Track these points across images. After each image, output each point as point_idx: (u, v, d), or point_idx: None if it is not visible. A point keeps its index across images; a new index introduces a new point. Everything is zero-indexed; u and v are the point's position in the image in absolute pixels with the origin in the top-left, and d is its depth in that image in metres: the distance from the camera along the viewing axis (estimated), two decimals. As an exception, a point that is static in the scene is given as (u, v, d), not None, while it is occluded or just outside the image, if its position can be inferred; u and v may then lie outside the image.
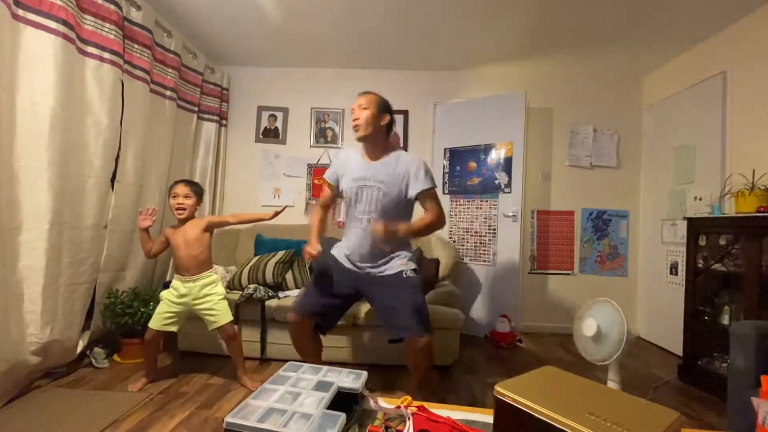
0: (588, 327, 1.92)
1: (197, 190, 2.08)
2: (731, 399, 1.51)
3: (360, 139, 1.76)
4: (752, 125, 2.37)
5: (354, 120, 1.73)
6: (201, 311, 1.98)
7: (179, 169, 2.99)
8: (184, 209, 2.00)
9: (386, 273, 1.74)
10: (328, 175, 1.89)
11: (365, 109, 1.71)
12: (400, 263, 1.75)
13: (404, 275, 1.72)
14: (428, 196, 1.75)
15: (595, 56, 3.12)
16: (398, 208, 1.76)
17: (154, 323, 1.96)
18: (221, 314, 1.98)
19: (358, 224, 1.76)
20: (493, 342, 2.91)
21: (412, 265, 1.77)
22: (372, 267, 1.76)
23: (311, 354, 1.86)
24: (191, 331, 2.34)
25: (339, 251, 1.82)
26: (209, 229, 2.07)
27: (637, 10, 2.44)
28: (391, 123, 1.78)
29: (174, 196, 2.01)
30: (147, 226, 1.99)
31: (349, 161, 1.84)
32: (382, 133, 1.76)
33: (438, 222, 1.76)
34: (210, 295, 1.99)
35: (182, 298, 1.96)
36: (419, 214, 1.77)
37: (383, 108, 1.74)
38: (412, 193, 1.74)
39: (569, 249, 3.39)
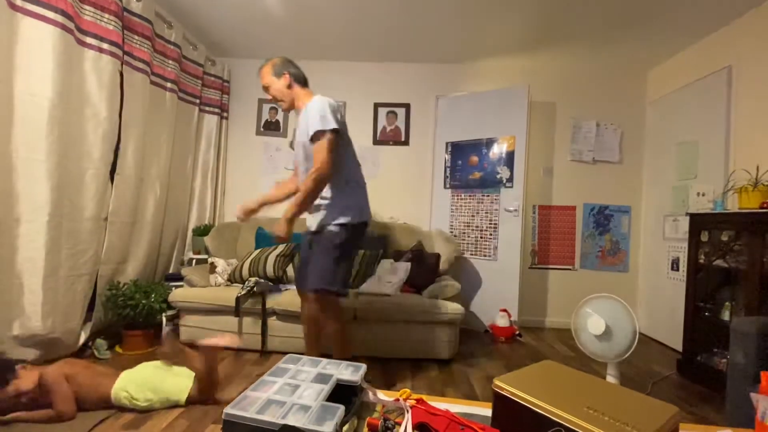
0: (595, 325, 1.89)
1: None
2: (730, 394, 1.51)
3: (288, 110, 1.85)
4: (757, 120, 2.35)
5: (277, 102, 1.81)
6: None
7: (181, 162, 2.98)
8: None
9: (315, 227, 1.76)
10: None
11: (269, 86, 1.77)
12: (325, 216, 1.73)
13: (324, 229, 1.72)
14: (315, 139, 1.60)
15: (599, 50, 3.08)
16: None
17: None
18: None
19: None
20: (493, 336, 2.91)
21: (339, 220, 1.69)
22: (313, 222, 1.78)
23: None
24: (192, 323, 2.36)
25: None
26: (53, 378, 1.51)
27: (642, 4, 2.41)
28: (291, 74, 1.79)
29: None
30: None
31: None
32: (292, 89, 1.79)
33: (318, 175, 1.57)
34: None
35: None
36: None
37: (278, 71, 1.77)
38: (304, 139, 1.68)
39: (570, 244, 3.38)
